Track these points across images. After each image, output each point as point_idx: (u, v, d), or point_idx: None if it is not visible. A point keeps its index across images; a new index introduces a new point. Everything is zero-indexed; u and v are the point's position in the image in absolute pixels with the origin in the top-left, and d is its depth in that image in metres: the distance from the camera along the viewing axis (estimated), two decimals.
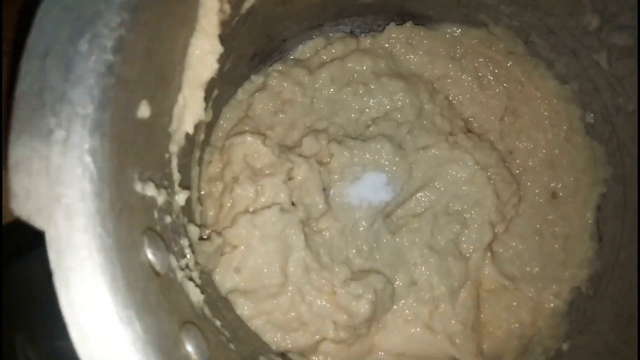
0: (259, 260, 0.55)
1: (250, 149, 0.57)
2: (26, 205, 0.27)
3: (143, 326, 0.30)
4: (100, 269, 0.28)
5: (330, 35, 0.64)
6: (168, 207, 0.42)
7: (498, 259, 0.61)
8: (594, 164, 0.58)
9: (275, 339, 0.55)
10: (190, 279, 0.43)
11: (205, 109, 0.45)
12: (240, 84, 0.61)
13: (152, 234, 0.36)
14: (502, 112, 0.63)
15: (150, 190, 0.36)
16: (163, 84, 0.37)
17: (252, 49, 0.57)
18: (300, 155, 0.58)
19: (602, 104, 0.54)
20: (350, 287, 0.55)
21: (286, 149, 0.59)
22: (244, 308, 0.54)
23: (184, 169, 0.48)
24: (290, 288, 0.55)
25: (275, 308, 0.55)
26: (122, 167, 0.31)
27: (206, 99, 0.45)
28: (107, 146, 0.29)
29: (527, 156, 0.62)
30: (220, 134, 0.60)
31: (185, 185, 0.48)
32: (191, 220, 0.50)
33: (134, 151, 0.34)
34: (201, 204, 0.56)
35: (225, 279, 0.54)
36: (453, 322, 0.58)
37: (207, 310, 0.45)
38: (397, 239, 0.59)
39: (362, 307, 0.55)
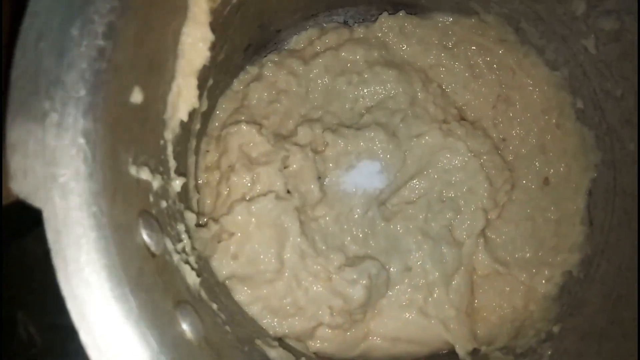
0: (256, 246, 0.56)
1: (246, 138, 0.58)
2: (24, 184, 0.28)
3: (137, 303, 0.31)
4: (94, 247, 0.29)
5: (324, 25, 0.65)
6: (164, 193, 0.43)
7: (491, 245, 0.61)
8: (585, 149, 0.58)
9: (272, 324, 0.56)
10: (187, 262, 0.44)
11: (200, 97, 0.46)
12: (235, 75, 0.62)
13: (148, 216, 0.37)
14: (495, 100, 0.63)
15: (144, 174, 0.38)
16: (155, 71, 0.38)
17: (247, 39, 0.58)
18: (295, 144, 0.59)
19: (592, 89, 0.54)
20: (345, 272, 0.56)
21: (281, 138, 0.60)
22: (241, 294, 0.55)
23: (180, 156, 0.49)
24: (286, 274, 0.56)
25: (272, 294, 0.56)
26: (115, 150, 0.33)
27: (201, 87, 0.46)
28: (100, 129, 0.30)
29: (520, 143, 0.63)
30: (216, 124, 0.61)
31: (181, 172, 0.49)
32: (188, 207, 0.51)
33: (127, 135, 0.35)
34: (198, 192, 0.57)
35: (222, 265, 0.55)
36: (447, 307, 0.58)
37: (203, 294, 0.46)
38: (392, 226, 0.60)
39: (357, 292, 0.56)
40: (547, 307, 0.58)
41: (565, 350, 0.52)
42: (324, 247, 0.58)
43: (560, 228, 0.60)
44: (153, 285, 0.34)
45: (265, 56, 0.63)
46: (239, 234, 0.56)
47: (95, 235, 0.29)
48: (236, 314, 0.53)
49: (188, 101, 0.44)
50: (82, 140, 0.29)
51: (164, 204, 0.42)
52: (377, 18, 0.63)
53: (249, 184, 0.57)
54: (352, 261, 0.58)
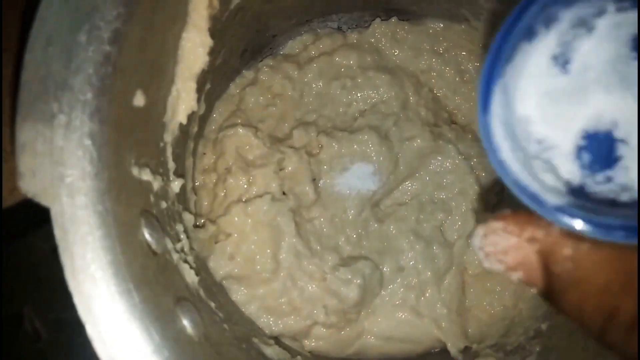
0: (252, 247, 0.57)
1: (243, 141, 0.60)
2: (32, 184, 0.29)
3: (140, 298, 0.32)
4: (100, 244, 0.30)
5: (319, 31, 0.66)
6: (164, 193, 0.44)
7: None
8: None
9: (268, 323, 0.57)
10: (186, 261, 0.45)
11: (198, 101, 0.47)
12: (232, 79, 0.63)
13: (149, 215, 0.38)
14: None
15: (146, 175, 0.39)
16: (157, 75, 0.39)
17: (243, 44, 0.59)
18: (290, 146, 0.60)
19: None
20: (340, 272, 0.58)
21: (277, 141, 0.61)
22: (238, 294, 0.56)
23: (179, 158, 0.50)
24: (282, 274, 0.57)
25: (268, 293, 0.57)
26: (119, 151, 0.34)
27: (199, 91, 0.47)
28: (106, 130, 0.31)
29: None
30: (213, 127, 0.62)
31: (180, 174, 0.50)
32: (186, 208, 0.52)
33: (130, 137, 0.36)
34: (196, 194, 0.58)
35: (219, 266, 0.56)
36: (439, 306, 0.60)
37: (202, 292, 0.47)
38: (385, 227, 0.61)
39: (352, 292, 0.57)
40: (536, 306, 0.59)
41: (553, 347, 0.53)
42: (318, 248, 0.59)
43: None
44: (155, 282, 0.35)
45: (261, 61, 0.64)
46: (236, 235, 0.57)
47: (101, 233, 0.31)
48: (233, 313, 0.54)
49: (187, 104, 0.45)
50: (88, 142, 0.30)
51: (164, 204, 0.43)
52: (370, 24, 0.65)
53: (245, 186, 0.59)
54: (347, 261, 0.59)
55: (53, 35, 0.29)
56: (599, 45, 0.25)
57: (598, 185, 0.25)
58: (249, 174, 0.58)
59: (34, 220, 0.38)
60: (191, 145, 0.56)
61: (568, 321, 0.52)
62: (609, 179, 0.25)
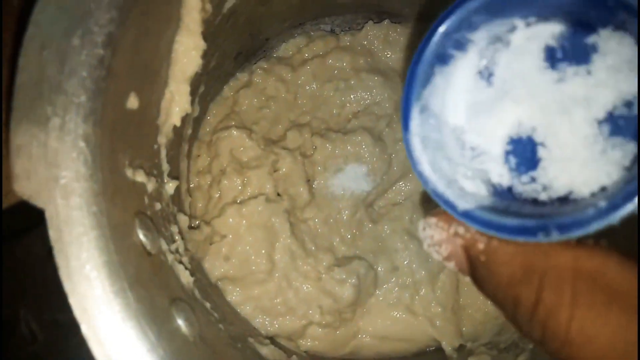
0: (247, 248, 0.58)
1: (237, 142, 0.60)
2: (27, 186, 0.29)
3: (135, 297, 0.32)
4: (95, 245, 0.31)
5: (312, 33, 0.67)
6: (158, 195, 0.44)
7: None
8: None
9: (264, 323, 0.57)
10: (180, 262, 0.45)
11: (192, 103, 0.48)
12: (226, 81, 0.63)
13: (143, 217, 0.39)
14: None
15: (140, 177, 0.39)
16: (150, 78, 0.40)
17: (237, 47, 0.59)
18: (284, 148, 0.61)
19: None
20: (335, 272, 0.58)
21: (271, 143, 0.62)
22: (233, 294, 0.57)
23: (173, 160, 0.50)
24: (277, 275, 0.58)
25: (263, 294, 0.58)
26: (113, 153, 0.34)
27: (193, 94, 0.47)
28: (100, 133, 0.32)
29: None
30: (207, 129, 0.63)
31: (174, 176, 0.50)
32: (181, 210, 0.53)
33: (124, 139, 0.36)
34: (190, 196, 0.59)
35: (214, 267, 0.57)
36: (433, 304, 0.60)
37: (197, 293, 0.47)
38: (379, 227, 0.62)
39: (346, 291, 0.58)
40: None
41: None
42: (313, 248, 0.60)
43: None
44: (150, 282, 0.36)
45: (255, 63, 0.65)
46: (230, 236, 0.58)
47: (95, 234, 0.31)
48: (229, 313, 0.54)
49: (181, 107, 0.45)
50: (82, 144, 0.31)
51: (158, 206, 0.44)
52: (363, 27, 0.66)
53: (239, 187, 0.59)
54: (341, 261, 0.60)
55: (47, 40, 0.29)
56: (514, 58, 0.28)
57: (524, 185, 0.28)
58: (244, 175, 0.59)
59: (29, 223, 0.38)
60: (185, 147, 0.56)
61: None
62: (533, 179, 0.27)
